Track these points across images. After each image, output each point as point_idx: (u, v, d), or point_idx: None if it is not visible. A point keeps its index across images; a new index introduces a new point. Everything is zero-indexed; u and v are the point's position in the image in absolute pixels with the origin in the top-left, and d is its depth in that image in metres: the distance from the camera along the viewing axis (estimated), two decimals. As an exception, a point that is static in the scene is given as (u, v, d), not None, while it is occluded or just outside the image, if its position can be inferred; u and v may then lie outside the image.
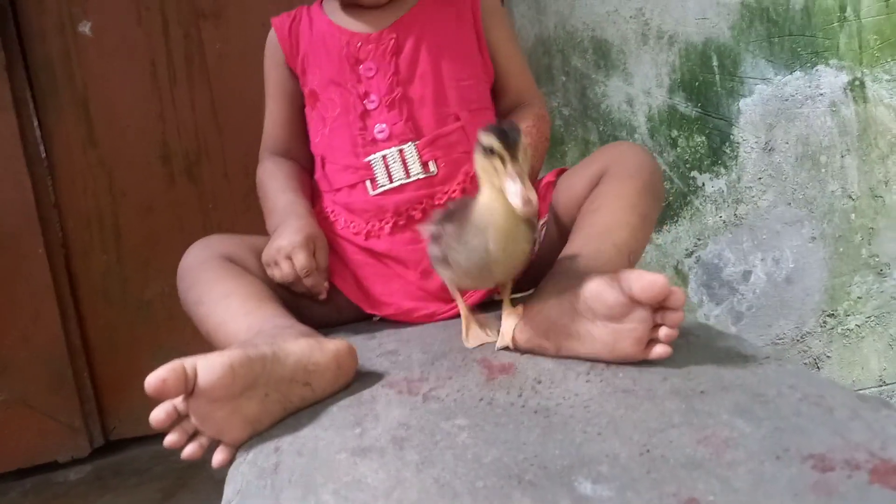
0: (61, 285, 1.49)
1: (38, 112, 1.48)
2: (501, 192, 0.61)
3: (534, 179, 0.90)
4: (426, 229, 0.73)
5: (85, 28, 1.49)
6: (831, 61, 1.38)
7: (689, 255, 1.38)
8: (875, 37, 1.39)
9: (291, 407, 0.58)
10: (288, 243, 0.80)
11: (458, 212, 0.69)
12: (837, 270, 1.42)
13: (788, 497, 0.39)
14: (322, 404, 0.59)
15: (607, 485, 0.41)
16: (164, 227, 1.53)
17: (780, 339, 1.42)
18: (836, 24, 1.37)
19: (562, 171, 0.89)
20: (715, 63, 1.35)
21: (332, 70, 0.87)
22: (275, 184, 0.92)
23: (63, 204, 1.50)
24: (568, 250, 0.76)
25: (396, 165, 0.83)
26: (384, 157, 0.84)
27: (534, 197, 0.58)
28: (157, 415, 0.52)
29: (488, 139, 0.62)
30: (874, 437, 0.44)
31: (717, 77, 1.35)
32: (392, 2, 0.90)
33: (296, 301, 0.83)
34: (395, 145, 0.84)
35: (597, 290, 0.60)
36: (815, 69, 1.38)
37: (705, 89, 1.35)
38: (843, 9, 1.37)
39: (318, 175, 0.92)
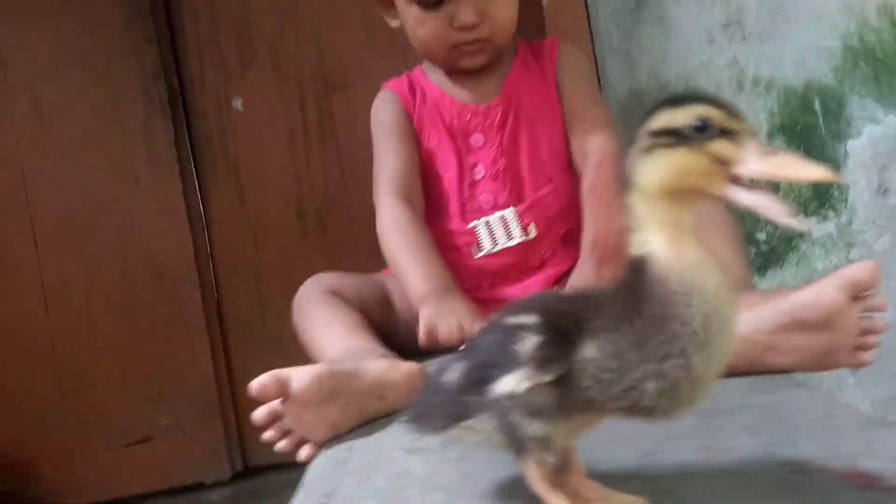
0: (212, 325, 1.71)
1: (198, 177, 1.73)
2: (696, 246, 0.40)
3: (610, 237, 0.89)
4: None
5: (237, 104, 1.74)
6: (950, 98, 1.31)
7: (798, 300, 1.34)
8: None
9: (367, 416, 0.69)
10: (469, 317, 0.84)
11: (582, 315, 0.42)
12: (972, 319, 1.31)
13: (755, 493, 0.41)
14: (394, 415, 0.69)
15: (600, 480, 0.45)
16: (298, 274, 1.71)
17: (906, 392, 1.32)
18: (955, 59, 1.31)
19: None
20: (817, 106, 1.32)
21: (445, 139, 0.97)
22: (417, 241, 0.93)
23: (216, 255, 1.73)
24: None
25: (499, 231, 0.92)
26: (487, 223, 0.93)
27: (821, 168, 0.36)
28: (259, 413, 0.65)
29: (680, 112, 0.38)
30: (857, 451, 0.45)
31: (821, 120, 1.32)
32: (489, 65, 0.98)
33: (394, 330, 0.94)
34: (496, 211, 0.93)
35: (811, 300, 0.63)
36: (932, 107, 1.31)
37: (807, 132, 1.33)
38: (961, 43, 1.30)
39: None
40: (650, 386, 0.38)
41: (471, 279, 0.94)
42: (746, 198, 0.37)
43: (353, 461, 0.60)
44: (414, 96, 1.01)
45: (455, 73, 1.00)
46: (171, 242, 1.69)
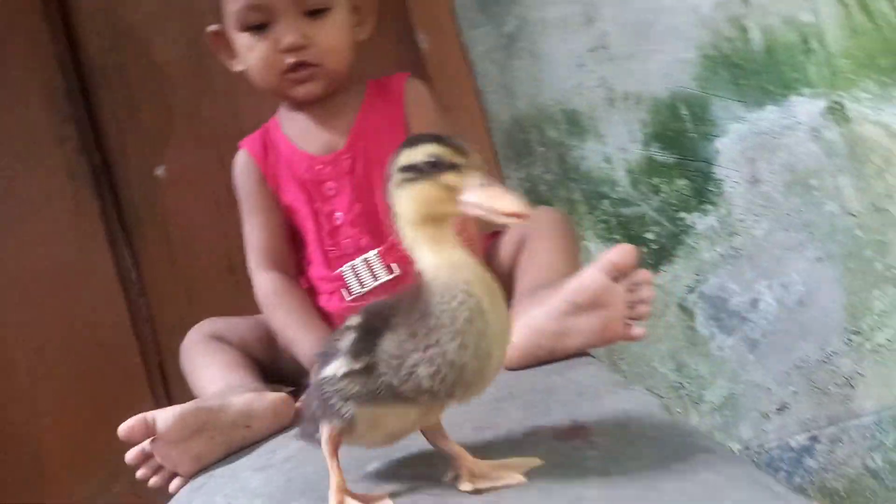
0: (156, 387, 1.74)
1: (130, 244, 1.79)
2: (455, 244, 0.47)
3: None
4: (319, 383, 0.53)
5: (160, 171, 1.80)
6: (803, 90, 1.43)
7: (692, 291, 1.43)
8: (846, 61, 1.42)
9: (235, 445, 0.75)
10: None
11: (387, 316, 0.49)
12: (853, 287, 1.41)
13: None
14: (259, 442, 0.75)
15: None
16: (237, 327, 1.78)
17: (803, 363, 1.41)
18: (802, 56, 1.43)
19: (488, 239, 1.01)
20: (684, 112, 1.43)
21: (299, 192, 0.98)
22: (296, 310, 0.96)
23: (154, 317, 1.78)
24: (521, 287, 0.88)
25: (365, 273, 0.95)
26: (353, 267, 0.96)
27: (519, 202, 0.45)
28: (130, 455, 0.71)
29: (416, 151, 0.47)
30: (582, 412, 0.53)
31: (689, 124, 1.43)
32: (335, 109, 0.99)
33: (277, 364, 0.99)
34: (359, 255, 0.95)
35: (578, 284, 0.71)
36: (787, 100, 1.43)
37: (679, 137, 1.44)
38: (805, 41, 1.43)
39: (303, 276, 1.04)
40: (422, 370, 0.45)
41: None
42: (475, 210, 0.46)
43: (207, 485, 0.67)
44: (266, 154, 1.02)
45: (298, 107, 1.00)
46: (108, 311, 1.73)
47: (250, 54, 0.97)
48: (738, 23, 1.44)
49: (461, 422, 0.57)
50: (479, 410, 0.60)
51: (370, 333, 0.49)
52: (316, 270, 1.00)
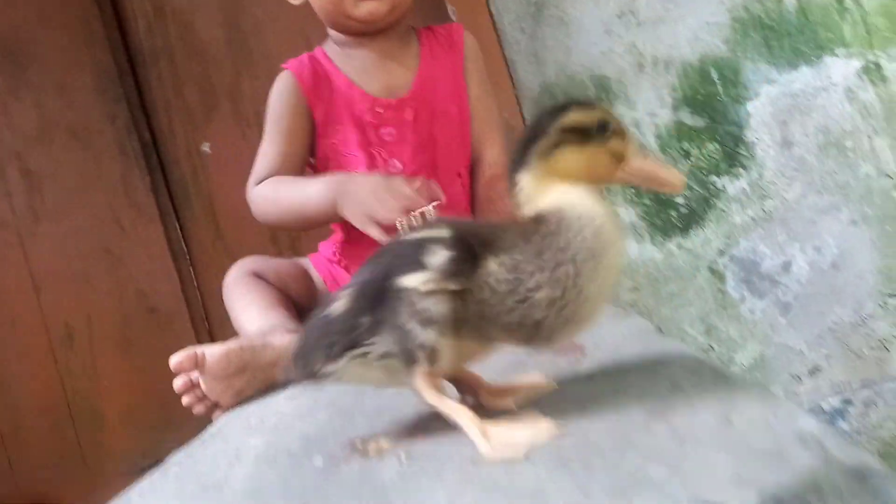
0: (206, 352, 1.85)
1: (178, 218, 1.89)
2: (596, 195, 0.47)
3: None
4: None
5: (206, 148, 1.90)
6: (838, 51, 1.42)
7: (722, 254, 1.44)
8: (882, 19, 1.41)
9: (272, 384, 0.82)
10: (397, 182, 0.84)
11: (487, 238, 0.47)
12: (888, 250, 1.40)
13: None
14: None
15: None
16: (279, 296, 1.87)
17: (837, 325, 1.41)
18: (836, 16, 1.42)
19: None
20: (715, 76, 1.44)
21: (357, 133, 0.95)
22: (298, 181, 0.95)
23: (202, 286, 1.89)
24: None
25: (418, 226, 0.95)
26: (410, 219, 0.86)
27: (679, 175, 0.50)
28: (178, 382, 0.78)
29: (588, 114, 0.47)
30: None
31: (720, 88, 1.44)
32: (390, 46, 0.96)
33: (313, 304, 0.99)
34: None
35: None
36: (821, 61, 1.42)
37: (709, 101, 1.45)
38: (840, 1, 1.42)
39: (343, 225, 1.00)
40: (541, 295, 0.43)
41: None
42: (635, 179, 0.48)
43: (245, 411, 0.75)
44: (316, 84, 0.98)
45: (355, 45, 0.95)
46: (159, 281, 1.84)
47: None
48: (770, -17, 1.43)
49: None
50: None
51: (467, 254, 0.45)
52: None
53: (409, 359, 0.46)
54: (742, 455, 0.31)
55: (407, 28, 1.02)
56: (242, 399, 0.81)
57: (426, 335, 0.45)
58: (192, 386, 0.80)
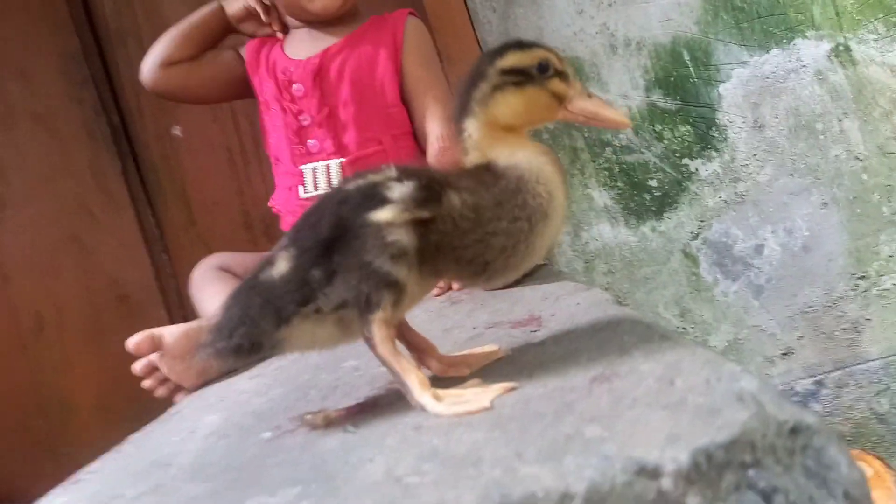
0: (179, 340, 1.83)
1: (150, 203, 1.87)
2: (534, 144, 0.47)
3: None
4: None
5: (177, 131, 1.87)
6: (808, 33, 1.42)
7: (695, 237, 1.45)
8: (851, 2, 1.41)
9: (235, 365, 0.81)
10: None
11: (442, 179, 0.47)
12: (859, 232, 1.41)
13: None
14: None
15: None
16: (253, 283, 1.85)
17: (809, 308, 1.43)
18: (807, -2, 1.43)
19: None
20: (687, 58, 1.44)
21: (274, 89, 1.07)
22: None
23: (177, 273, 1.86)
24: None
25: (322, 177, 1.02)
26: (314, 168, 1.03)
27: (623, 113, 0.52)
28: (137, 365, 0.77)
29: (526, 55, 0.48)
30: (543, 308, 0.57)
31: (692, 69, 1.44)
32: (332, 26, 1.07)
33: None
34: (323, 160, 1.02)
35: None
36: (792, 43, 1.42)
37: (681, 83, 1.45)
38: (811, -18, 1.42)
39: (274, 170, 1.13)
40: (497, 240, 0.45)
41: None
42: (579, 117, 0.48)
43: (206, 391, 0.73)
44: (258, 54, 1.12)
45: (303, 24, 1.08)
46: (132, 268, 1.82)
47: None
48: (742, -35, 1.43)
49: (432, 324, 0.61)
50: (452, 316, 0.64)
51: (431, 183, 0.45)
52: (282, 165, 1.08)
53: (368, 303, 0.45)
54: (679, 414, 0.31)
55: (357, 12, 1.11)
56: (206, 380, 0.80)
57: (397, 269, 0.44)
58: (153, 369, 0.79)
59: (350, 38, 1.06)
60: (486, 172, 0.47)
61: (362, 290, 0.44)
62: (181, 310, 1.83)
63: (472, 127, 0.48)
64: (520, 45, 0.49)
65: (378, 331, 0.45)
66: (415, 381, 0.44)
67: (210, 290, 1.00)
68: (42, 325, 1.78)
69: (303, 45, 1.09)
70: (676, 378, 0.35)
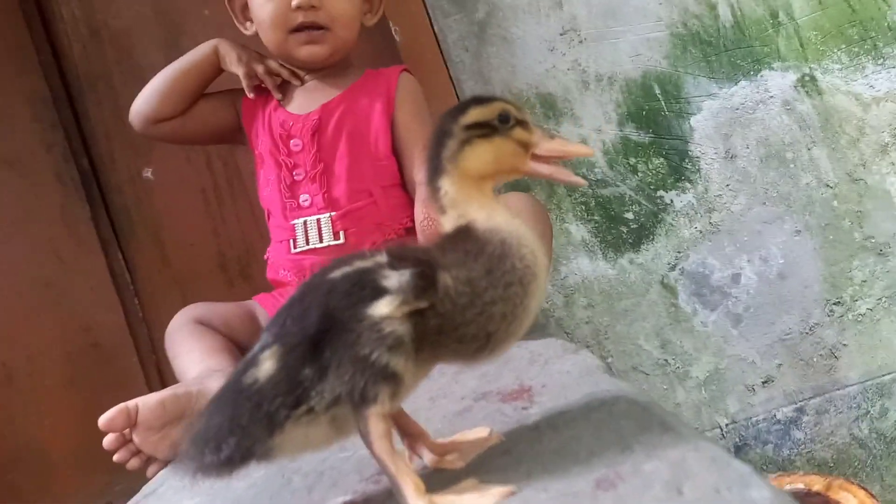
0: (154, 387, 1.76)
1: (121, 247, 1.80)
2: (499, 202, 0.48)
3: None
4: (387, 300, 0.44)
5: (148, 173, 1.82)
6: (774, 64, 1.43)
7: (673, 268, 1.43)
8: (815, 33, 1.42)
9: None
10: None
11: (428, 257, 0.46)
12: (832, 258, 1.41)
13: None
14: None
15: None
16: (230, 324, 1.80)
17: (787, 336, 1.42)
18: (771, 30, 1.43)
19: None
20: (657, 91, 1.44)
21: (271, 143, 1.05)
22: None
23: (148, 317, 1.80)
24: None
25: (313, 232, 1.00)
26: (305, 222, 1.00)
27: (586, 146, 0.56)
28: (108, 440, 0.72)
29: (487, 109, 0.48)
30: (532, 376, 0.55)
31: (663, 103, 1.44)
32: (327, 79, 1.06)
33: None
34: (315, 214, 1.00)
35: None
36: (759, 75, 1.43)
37: (653, 116, 1.44)
38: (774, 16, 1.43)
39: (268, 224, 1.10)
40: (497, 309, 0.44)
41: (294, 271, 1.02)
42: (544, 169, 0.49)
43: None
44: (255, 105, 1.10)
45: (299, 69, 1.06)
46: (103, 313, 1.75)
47: (262, 10, 1.02)
48: (706, 0, 1.44)
49: (418, 392, 0.58)
50: (438, 381, 0.61)
51: (426, 269, 0.44)
52: (274, 219, 1.06)
53: (364, 397, 0.42)
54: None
55: (351, 65, 1.11)
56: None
57: (395, 360, 0.42)
58: (125, 441, 0.74)
59: (347, 93, 1.05)
60: (469, 240, 0.46)
61: (357, 384, 0.42)
62: (153, 355, 1.77)
63: (446, 184, 0.48)
64: (479, 101, 0.49)
65: (374, 426, 0.42)
66: (410, 487, 0.41)
67: (187, 345, 0.95)
68: (11, 375, 1.70)
69: (300, 99, 1.07)
70: (684, 484, 0.32)
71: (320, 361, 0.42)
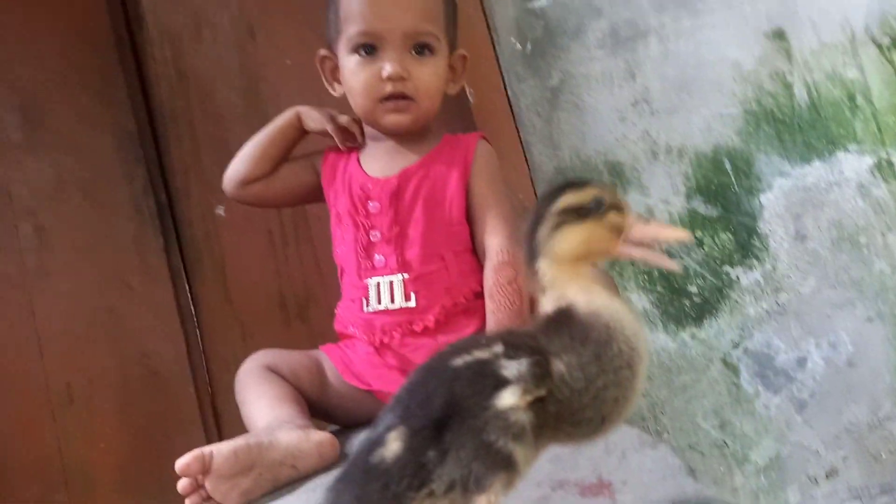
0: (207, 420, 1.78)
1: (188, 280, 1.86)
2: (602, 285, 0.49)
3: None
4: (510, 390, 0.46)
5: (220, 210, 1.88)
6: (850, 147, 1.40)
7: (736, 346, 1.39)
8: (893, 118, 1.40)
9: (281, 483, 0.77)
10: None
11: (536, 344, 0.47)
12: (905, 349, 1.36)
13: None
14: (303, 480, 0.77)
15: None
16: (283, 363, 1.82)
17: (854, 426, 1.35)
18: (848, 112, 1.41)
19: None
20: (728, 166, 1.42)
21: (350, 204, 1.06)
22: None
23: (207, 350, 1.83)
24: None
25: (385, 292, 1.00)
26: (378, 283, 1.01)
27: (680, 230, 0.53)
28: (182, 484, 0.74)
29: (582, 193, 0.49)
30: (609, 468, 0.53)
31: (733, 178, 1.42)
32: (408, 143, 1.08)
33: (326, 400, 1.03)
34: (388, 274, 1.01)
35: None
36: (834, 157, 1.40)
37: (723, 190, 1.42)
38: (851, 98, 1.41)
39: (340, 280, 1.11)
40: (610, 393, 0.46)
41: (364, 329, 1.03)
42: (637, 253, 0.49)
43: None
44: (335, 165, 1.12)
45: (379, 138, 1.09)
46: (164, 342, 1.79)
47: (354, 77, 1.05)
48: (781, 79, 1.43)
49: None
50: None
51: (541, 357, 0.46)
52: (347, 276, 1.07)
53: (478, 483, 0.43)
54: None
55: (431, 130, 1.12)
56: (249, 499, 0.76)
57: (517, 448, 0.44)
58: (197, 486, 0.75)
59: (426, 160, 1.07)
60: (572, 324, 0.48)
61: (476, 470, 0.43)
62: (209, 388, 1.80)
63: (543, 265, 0.50)
64: (573, 185, 0.51)
65: None
66: None
67: (257, 391, 0.97)
68: (72, 395, 1.75)
69: (380, 162, 1.09)
70: None
71: (442, 444, 0.43)
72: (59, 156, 1.80)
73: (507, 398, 0.44)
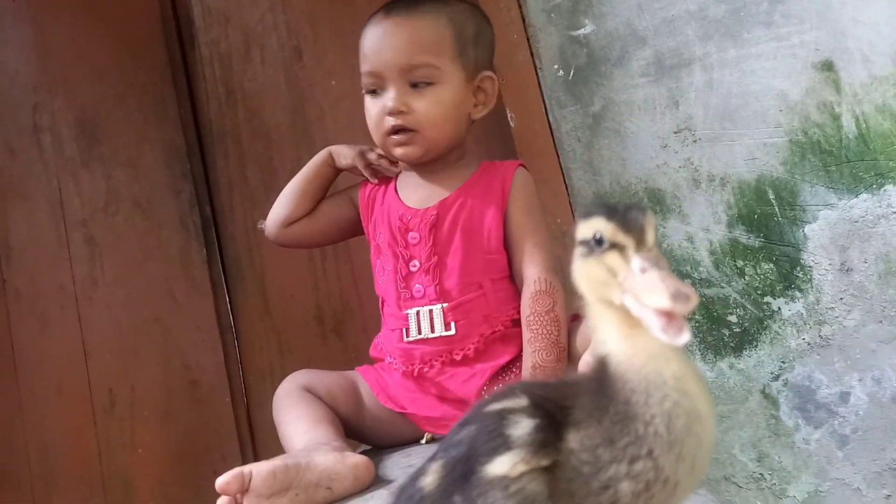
0: (242, 431, 1.81)
1: (229, 293, 1.89)
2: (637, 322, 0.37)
3: (547, 369, 0.95)
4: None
5: (262, 225, 1.91)
6: (900, 180, 1.37)
7: (776, 378, 1.36)
8: (945, 151, 1.36)
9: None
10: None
11: (563, 405, 0.42)
12: (954, 388, 1.31)
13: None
14: (337, 502, 0.77)
15: None
16: (319, 377, 1.83)
17: (898, 465, 1.31)
18: (898, 145, 1.37)
19: (575, 317, 1.01)
20: (771, 196, 1.40)
21: (390, 235, 1.09)
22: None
23: (245, 362, 1.86)
24: None
25: (425, 322, 1.01)
26: (418, 312, 1.02)
27: (687, 289, 0.37)
28: (222, 502, 0.74)
29: (586, 225, 0.41)
30: None
31: (776, 208, 1.40)
32: (443, 172, 1.10)
33: (361, 421, 1.04)
34: (427, 304, 1.02)
35: None
36: (882, 189, 1.37)
37: (765, 220, 1.40)
38: (902, 130, 1.38)
39: (381, 309, 1.13)
40: (625, 486, 0.37)
41: (403, 359, 1.04)
42: (636, 310, 0.37)
43: None
44: (373, 195, 1.16)
45: (414, 168, 1.12)
46: (204, 353, 1.82)
47: (367, 115, 1.11)
48: (829, 109, 1.40)
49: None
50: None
51: (551, 422, 0.40)
52: (388, 307, 1.09)
53: None
54: None
55: (466, 155, 1.15)
56: None
57: None
58: None
59: (463, 189, 1.09)
60: (602, 386, 0.40)
61: None
62: (244, 399, 1.82)
63: (584, 305, 0.43)
64: (586, 214, 0.42)
65: None
66: None
67: (295, 412, 0.99)
68: (115, 403, 1.79)
69: (418, 191, 1.12)
70: None
71: (466, 493, 0.41)
72: (111, 170, 1.86)
73: (499, 466, 0.39)
